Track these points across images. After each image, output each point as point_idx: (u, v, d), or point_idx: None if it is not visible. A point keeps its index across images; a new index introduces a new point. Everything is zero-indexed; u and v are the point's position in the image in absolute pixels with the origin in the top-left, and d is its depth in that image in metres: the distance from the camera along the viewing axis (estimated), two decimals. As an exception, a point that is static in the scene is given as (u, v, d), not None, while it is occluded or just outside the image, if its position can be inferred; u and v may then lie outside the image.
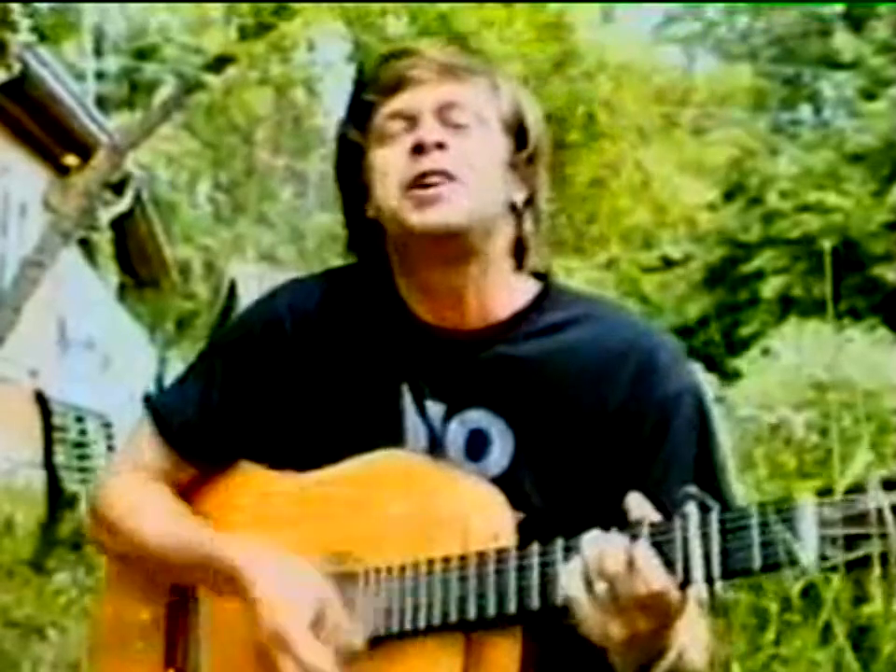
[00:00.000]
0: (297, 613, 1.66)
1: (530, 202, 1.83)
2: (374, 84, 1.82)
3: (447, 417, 1.80)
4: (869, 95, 29.51)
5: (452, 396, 1.80)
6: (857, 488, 1.46)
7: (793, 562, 1.46)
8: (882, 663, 2.97)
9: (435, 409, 1.81)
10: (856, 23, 31.44)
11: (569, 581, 1.55)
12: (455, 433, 1.80)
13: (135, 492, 1.89)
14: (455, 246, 1.75)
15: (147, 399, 1.95)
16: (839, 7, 32.82)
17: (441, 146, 1.74)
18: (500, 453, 1.78)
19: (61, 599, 6.45)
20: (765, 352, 16.79)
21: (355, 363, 1.84)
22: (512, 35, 9.52)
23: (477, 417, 1.79)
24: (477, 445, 1.79)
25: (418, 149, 1.74)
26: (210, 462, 1.90)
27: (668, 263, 29.59)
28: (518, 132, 1.82)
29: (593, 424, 1.75)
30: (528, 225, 1.82)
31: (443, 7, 9.29)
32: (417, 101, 1.78)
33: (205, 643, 1.83)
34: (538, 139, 1.83)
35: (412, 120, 1.77)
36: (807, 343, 13.98)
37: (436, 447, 1.80)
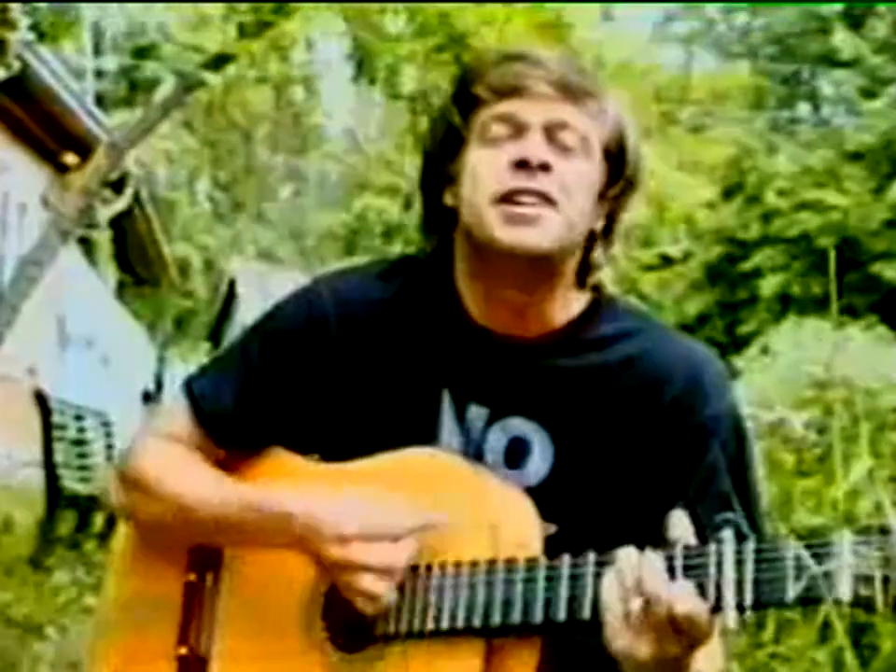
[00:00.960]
0: (359, 515, 1.67)
1: (608, 230, 1.82)
2: (487, 80, 1.78)
3: (489, 423, 1.80)
4: (868, 94, 29.49)
5: (496, 401, 1.79)
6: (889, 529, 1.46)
7: (825, 599, 1.46)
8: (881, 660, 2.97)
9: (478, 413, 1.80)
10: (855, 22, 31.42)
11: (607, 587, 1.54)
12: (496, 439, 1.79)
13: (171, 454, 1.88)
14: (533, 269, 1.74)
15: (184, 379, 1.94)
16: (838, 6, 32.81)
17: (545, 167, 1.71)
18: (540, 462, 1.78)
19: (60, 598, 6.45)
20: (764, 350, 16.80)
21: (398, 361, 1.83)
22: (511, 33, 9.52)
23: (520, 425, 1.79)
24: (517, 453, 1.78)
25: (521, 164, 1.72)
26: (242, 448, 1.89)
27: (667, 261, 29.59)
28: (616, 161, 1.80)
29: (633, 440, 1.75)
30: (600, 251, 1.81)
31: (442, 5, 9.29)
32: (529, 112, 1.74)
33: (220, 625, 1.83)
34: (634, 169, 1.82)
35: (519, 129, 1.75)
36: (806, 342, 13.98)
37: (471, 453, 1.79)
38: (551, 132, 1.75)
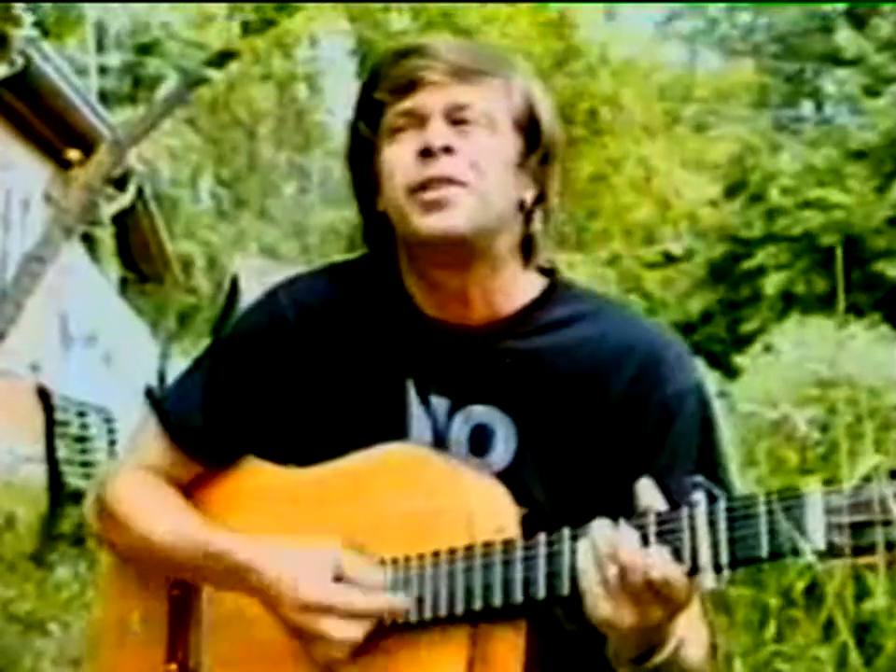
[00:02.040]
0: (319, 576, 1.68)
1: (541, 199, 1.82)
2: (385, 83, 1.80)
3: (451, 412, 1.81)
4: (871, 92, 29.48)
5: (456, 391, 1.80)
6: (864, 478, 1.47)
7: (801, 550, 1.47)
8: (885, 658, 2.97)
9: (439, 404, 1.81)
10: (858, 20, 31.41)
11: (582, 558, 1.56)
12: (459, 428, 1.80)
13: (142, 490, 1.89)
14: (460, 250, 1.75)
15: (153, 399, 1.94)
16: (841, 5, 32.79)
17: (448, 150, 1.73)
18: (504, 448, 1.78)
19: (62, 594, 6.46)
20: (767, 348, 16.75)
21: (360, 358, 1.84)
22: (515, 31, 9.54)
23: (481, 412, 1.80)
24: (481, 440, 1.79)
25: (426, 153, 1.73)
26: (216, 461, 1.90)
27: (670, 259, 29.60)
28: (530, 131, 1.80)
29: (596, 420, 1.76)
30: (537, 222, 1.81)
31: (446, 3, 9.30)
32: (428, 102, 1.76)
33: (208, 638, 1.83)
34: (550, 137, 1.82)
35: (421, 120, 1.76)
36: (809, 340, 13.96)
37: (440, 442, 1.80)
38: (451, 115, 1.76)
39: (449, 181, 1.72)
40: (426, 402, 1.82)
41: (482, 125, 1.76)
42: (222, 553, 1.76)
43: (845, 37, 30.88)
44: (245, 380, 1.87)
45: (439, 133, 1.74)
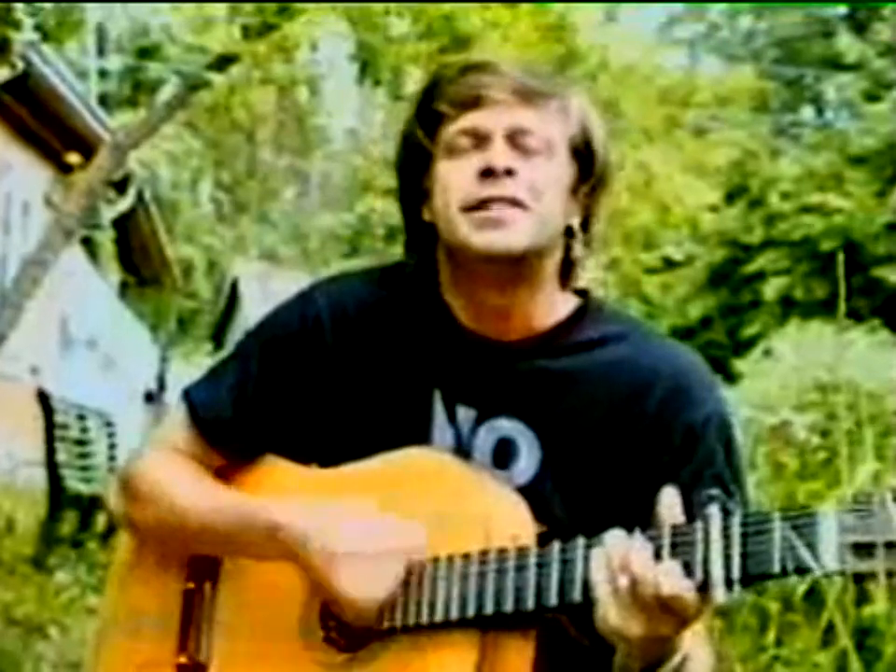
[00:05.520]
0: (348, 539, 1.69)
1: (586, 226, 1.84)
2: (447, 95, 1.81)
3: (477, 423, 1.82)
4: (872, 97, 29.51)
5: (484, 402, 1.82)
6: (880, 499, 1.47)
7: (812, 568, 1.47)
8: (885, 664, 2.97)
9: (466, 414, 1.82)
10: (859, 25, 31.46)
11: (595, 567, 1.56)
12: (484, 440, 1.81)
13: (169, 464, 1.90)
14: (510, 270, 1.77)
15: (184, 390, 1.96)
16: (842, 9, 32.83)
17: (510, 172, 1.74)
18: (526, 463, 1.79)
19: (62, 597, 6.46)
20: (767, 353, 16.77)
21: (390, 364, 1.85)
22: (516, 35, 9.53)
23: (506, 425, 1.81)
24: (504, 453, 1.80)
25: (487, 173, 1.75)
26: (240, 454, 1.92)
27: (670, 264, 29.63)
28: (584, 158, 1.82)
29: (619, 442, 1.77)
30: (579, 247, 1.84)
31: (446, 7, 9.29)
32: (490, 121, 1.77)
33: (219, 631, 1.84)
34: (603, 166, 1.84)
35: (482, 140, 1.77)
36: (809, 345, 13.97)
37: (462, 452, 1.81)
38: (513, 137, 1.77)
39: (509, 202, 1.74)
40: (451, 412, 1.83)
41: (542, 151, 1.78)
42: (251, 513, 1.77)
43: (845, 42, 30.92)
44: (276, 378, 1.89)
45: (502, 154, 1.76)
